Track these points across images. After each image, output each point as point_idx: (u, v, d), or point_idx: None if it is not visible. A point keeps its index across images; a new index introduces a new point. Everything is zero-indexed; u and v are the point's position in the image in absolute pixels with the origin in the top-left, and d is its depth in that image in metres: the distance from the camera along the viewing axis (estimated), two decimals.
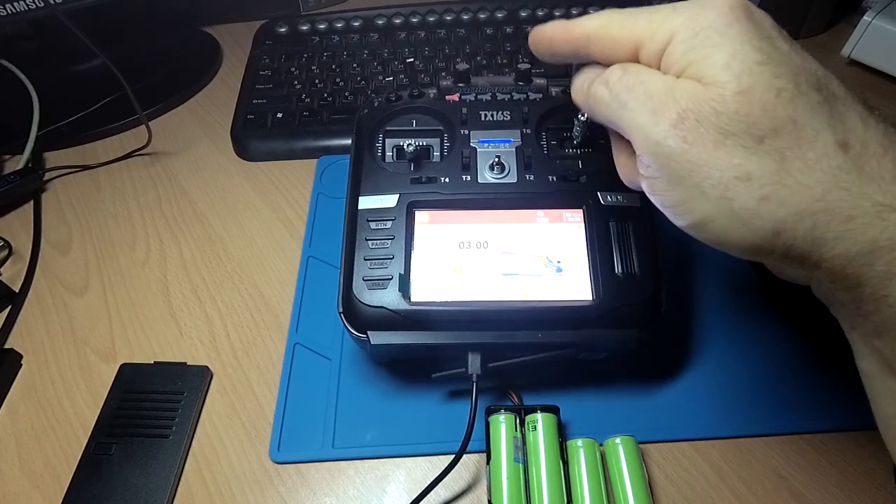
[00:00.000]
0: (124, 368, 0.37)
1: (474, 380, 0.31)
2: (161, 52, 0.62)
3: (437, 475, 0.30)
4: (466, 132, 0.35)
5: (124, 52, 0.60)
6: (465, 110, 0.36)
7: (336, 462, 0.33)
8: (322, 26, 0.61)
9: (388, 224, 0.32)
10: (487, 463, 0.31)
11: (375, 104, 0.37)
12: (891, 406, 0.23)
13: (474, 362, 0.31)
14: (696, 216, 0.22)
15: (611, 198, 0.33)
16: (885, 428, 0.24)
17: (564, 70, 0.28)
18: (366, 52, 0.57)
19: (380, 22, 0.61)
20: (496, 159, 0.34)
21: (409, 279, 0.31)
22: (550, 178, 0.33)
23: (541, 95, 0.36)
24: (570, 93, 0.27)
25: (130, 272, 0.43)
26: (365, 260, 0.31)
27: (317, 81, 0.55)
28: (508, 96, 0.37)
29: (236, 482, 0.33)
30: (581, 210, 0.33)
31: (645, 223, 0.32)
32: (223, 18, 0.67)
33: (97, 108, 0.55)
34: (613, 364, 0.35)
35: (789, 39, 0.22)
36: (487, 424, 0.32)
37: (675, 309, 0.37)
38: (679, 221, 0.23)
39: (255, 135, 0.51)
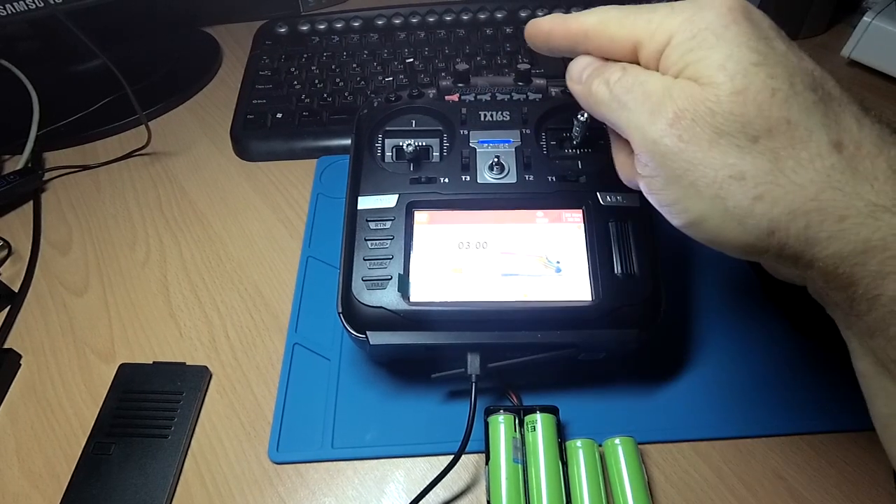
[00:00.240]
0: (123, 368, 0.37)
1: (473, 380, 0.31)
2: (161, 53, 0.62)
3: (436, 475, 0.30)
4: (466, 132, 0.35)
5: (124, 52, 0.60)
6: (464, 110, 0.36)
7: (335, 462, 0.33)
8: (322, 26, 0.61)
9: (388, 224, 0.32)
10: (486, 463, 0.31)
11: (375, 104, 0.37)
12: (886, 406, 0.23)
13: (473, 363, 0.31)
14: (690, 215, 0.22)
15: (610, 198, 0.33)
16: (882, 428, 0.24)
17: (563, 70, 0.28)
18: (365, 52, 0.57)
19: (379, 22, 0.61)
20: (496, 159, 0.34)
21: (409, 279, 0.31)
22: (550, 178, 0.33)
23: (540, 96, 0.36)
24: (569, 92, 0.27)
25: (130, 272, 0.43)
26: (364, 260, 0.31)
27: (316, 81, 0.55)
28: (508, 96, 0.37)
29: (235, 482, 0.33)
30: (580, 210, 0.33)
31: (644, 223, 0.32)
32: (223, 18, 0.67)
33: (97, 108, 0.55)
34: (613, 364, 0.35)
35: (787, 40, 0.22)
36: (486, 425, 0.32)
37: (675, 309, 0.37)
38: (675, 220, 0.24)
39: (254, 135, 0.51)
